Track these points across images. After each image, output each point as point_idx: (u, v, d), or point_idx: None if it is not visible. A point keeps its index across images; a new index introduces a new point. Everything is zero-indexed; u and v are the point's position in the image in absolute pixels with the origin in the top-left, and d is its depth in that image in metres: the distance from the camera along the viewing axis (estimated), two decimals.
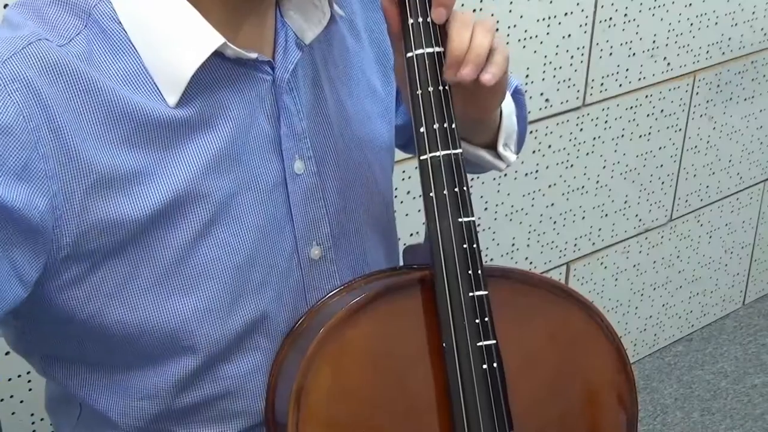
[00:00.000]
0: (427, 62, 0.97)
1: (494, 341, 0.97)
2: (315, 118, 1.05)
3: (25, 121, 0.86)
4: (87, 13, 0.92)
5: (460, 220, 0.97)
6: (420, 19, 0.97)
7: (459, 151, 0.98)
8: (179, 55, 0.93)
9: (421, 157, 0.97)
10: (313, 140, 1.04)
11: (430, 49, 0.97)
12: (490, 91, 1.01)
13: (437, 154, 0.97)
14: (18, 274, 0.88)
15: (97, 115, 0.90)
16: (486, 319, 0.97)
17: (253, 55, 0.97)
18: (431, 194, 0.97)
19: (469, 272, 0.97)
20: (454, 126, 0.98)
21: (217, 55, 0.94)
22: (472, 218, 0.98)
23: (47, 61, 0.88)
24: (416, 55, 0.97)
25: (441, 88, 0.97)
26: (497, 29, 1.95)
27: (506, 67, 1.00)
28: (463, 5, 1.89)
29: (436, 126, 0.97)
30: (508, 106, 1.16)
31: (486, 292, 0.97)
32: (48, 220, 0.88)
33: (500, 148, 1.14)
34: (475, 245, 0.98)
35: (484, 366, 0.97)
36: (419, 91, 0.97)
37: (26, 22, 0.91)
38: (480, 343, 0.97)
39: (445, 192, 0.97)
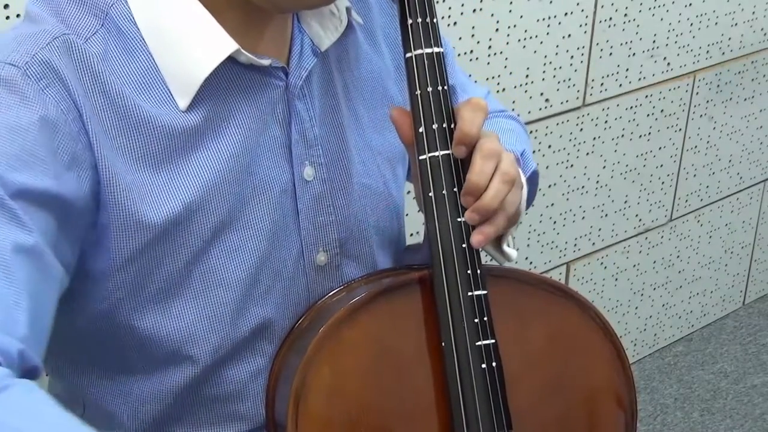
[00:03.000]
0: (426, 62, 0.97)
1: (493, 341, 0.98)
2: (328, 125, 1.05)
3: (64, 113, 0.88)
4: (104, 12, 0.93)
5: (458, 219, 0.97)
6: (419, 19, 0.97)
7: None
8: (192, 59, 0.93)
9: (420, 157, 0.97)
10: (325, 147, 1.04)
11: (429, 50, 0.97)
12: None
13: (436, 154, 0.97)
14: (64, 260, 0.89)
15: (112, 122, 0.91)
16: (485, 318, 0.97)
17: (266, 62, 0.97)
18: (430, 194, 0.97)
19: (468, 272, 0.97)
20: (453, 126, 0.98)
21: (231, 60, 0.95)
22: None
23: (73, 55, 0.89)
24: (416, 55, 0.97)
25: (440, 88, 0.97)
26: (497, 29, 1.96)
27: (513, 216, 1.00)
28: (463, 5, 1.89)
29: (435, 126, 0.97)
30: (523, 195, 1.13)
31: (485, 292, 0.97)
32: (89, 206, 0.90)
33: (504, 246, 1.12)
34: None
35: (483, 365, 0.97)
36: (418, 92, 0.97)
37: (46, 17, 0.92)
38: (479, 343, 0.97)
39: (444, 192, 0.97)
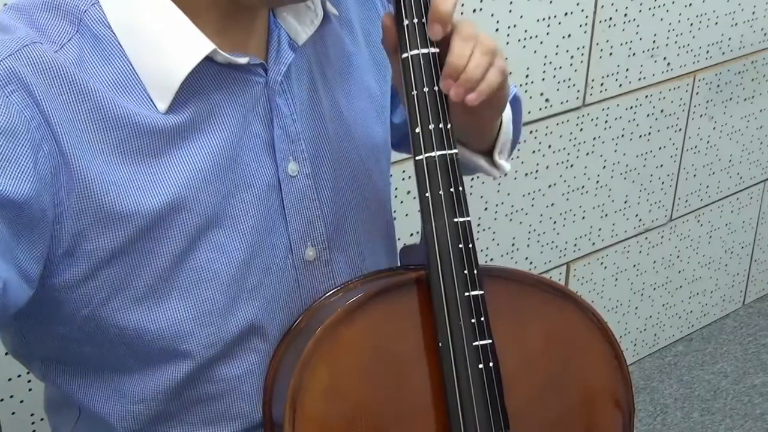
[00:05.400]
0: (422, 63, 0.97)
1: (490, 341, 0.98)
2: (309, 119, 1.05)
3: (27, 121, 0.87)
4: (78, 18, 0.92)
5: (455, 220, 0.97)
6: (415, 20, 0.97)
7: (454, 151, 0.98)
8: (169, 61, 0.93)
9: (417, 158, 0.98)
10: (308, 141, 1.05)
11: (425, 50, 0.97)
12: (488, 104, 1.01)
13: (433, 154, 0.97)
14: (23, 272, 0.88)
15: (90, 121, 0.91)
16: (482, 318, 0.97)
17: (244, 60, 0.97)
18: (427, 194, 0.97)
19: (465, 272, 0.97)
20: (449, 126, 0.98)
21: (208, 60, 0.94)
22: (468, 218, 0.98)
23: (42, 63, 0.89)
24: (411, 55, 0.97)
25: (436, 88, 0.97)
26: (497, 29, 1.96)
27: (499, 83, 1.00)
28: (463, 5, 1.89)
29: (431, 126, 0.97)
30: (507, 114, 1.16)
31: (481, 292, 0.97)
32: (50, 215, 0.89)
33: (496, 156, 1.13)
34: (470, 245, 0.98)
35: (480, 366, 0.97)
36: (414, 92, 0.97)
37: (18, 26, 0.91)
38: (476, 343, 0.97)
39: (441, 192, 0.97)
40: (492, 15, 1.95)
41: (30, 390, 1.57)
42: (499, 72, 0.99)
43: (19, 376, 1.55)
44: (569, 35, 2.12)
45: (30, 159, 0.87)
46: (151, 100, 0.93)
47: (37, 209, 0.88)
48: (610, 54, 2.22)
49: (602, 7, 2.15)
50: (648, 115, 2.37)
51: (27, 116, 0.87)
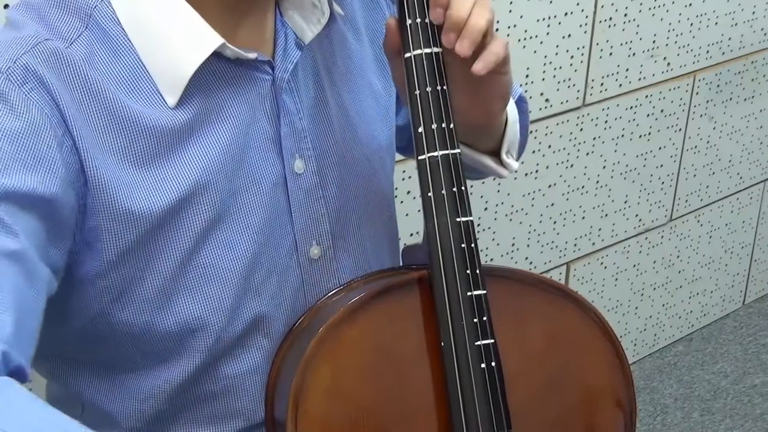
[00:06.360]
0: (425, 62, 0.97)
1: (492, 340, 0.98)
2: (316, 117, 1.05)
3: (48, 118, 0.88)
4: (88, 14, 0.93)
5: (458, 219, 0.97)
6: (418, 20, 0.97)
7: (457, 151, 0.98)
8: (179, 55, 0.93)
9: (420, 157, 0.98)
10: (314, 139, 1.05)
11: (428, 50, 0.98)
12: (493, 92, 1.01)
13: (435, 154, 0.97)
14: (54, 268, 0.89)
15: (100, 121, 0.91)
16: (484, 318, 0.97)
17: (252, 55, 0.97)
18: (429, 194, 0.97)
19: (467, 271, 0.97)
20: (452, 126, 0.98)
21: (217, 55, 0.95)
22: (470, 218, 0.98)
23: (56, 60, 0.89)
24: (414, 55, 0.98)
25: (439, 88, 0.98)
26: (497, 29, 1.96)
27: (502, 59, 0.99)
28: None
29: (434, 126, 0.97)
30: (513, 113, 1.16)
31: (484, 292, 0.97)
32: (75, 210, 0.90)
33: (503, 155, 1.14)
34: (473, 245, 0.98)
35: (482, 365, 0.97)
36: (417, 92, 0.97)
37: (28, 22, 0.91)
38: (478, 343, 0.97)
39: (443, 192, 0.97)
40: None
41: (30, 390, 1.56)
42: (502, 45, 0.99)
43: None
44: (569, 35, 2.12)
45: (57, 155, 0.87)
46: (161, 96, 0.94)
47: (67, 204, 0.89)
48: (610, 54, 2.22)
49: (602, 7, 2.15)
50: (648, 115, 2.37)
51: (47, 113, 0.87)
